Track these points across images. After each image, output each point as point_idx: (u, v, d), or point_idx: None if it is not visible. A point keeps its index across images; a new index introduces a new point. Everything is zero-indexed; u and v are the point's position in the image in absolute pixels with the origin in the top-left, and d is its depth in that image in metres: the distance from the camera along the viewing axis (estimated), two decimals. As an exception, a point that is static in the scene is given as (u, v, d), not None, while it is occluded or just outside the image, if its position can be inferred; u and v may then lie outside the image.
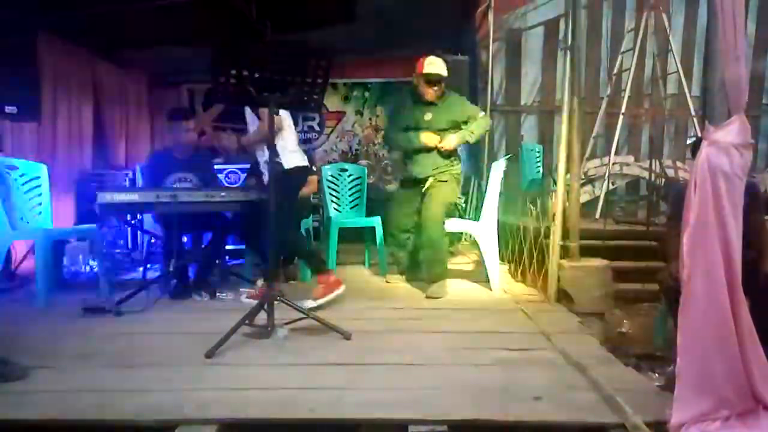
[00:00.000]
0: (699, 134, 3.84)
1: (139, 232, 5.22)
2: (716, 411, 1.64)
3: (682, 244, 1.68)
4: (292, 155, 3.43)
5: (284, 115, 3.40)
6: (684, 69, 5.32)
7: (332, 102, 7.38)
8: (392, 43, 5.79)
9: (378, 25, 5.38)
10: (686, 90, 5.23)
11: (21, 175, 3.76)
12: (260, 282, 3.50)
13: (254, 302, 3.09)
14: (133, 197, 3.41)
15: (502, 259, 4.27)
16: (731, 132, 1.66)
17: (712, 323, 1.63)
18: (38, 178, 3.86)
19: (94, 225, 4.07)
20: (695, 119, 5.27)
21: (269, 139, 2.78)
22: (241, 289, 3.49)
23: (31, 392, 2.04)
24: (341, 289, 3.33)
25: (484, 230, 3.93)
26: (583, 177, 4.99)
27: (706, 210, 1.62)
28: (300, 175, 3.52)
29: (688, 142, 5.62)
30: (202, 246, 4.04)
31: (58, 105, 5.18)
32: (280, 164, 3.32)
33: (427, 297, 3.64)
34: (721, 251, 1.62)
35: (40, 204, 3.85)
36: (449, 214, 3.98)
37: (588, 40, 5.92)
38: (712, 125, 1.71)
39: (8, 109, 3.95)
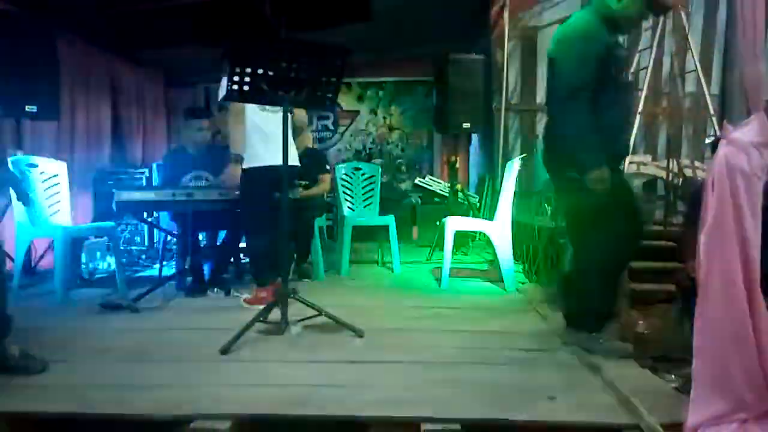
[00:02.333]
0: (718, 133, 3.78)
1: (155, 230, 5.28)
2: (733, 413, 1.61)
3: (699, 243, 1.66)
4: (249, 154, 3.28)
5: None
6: (703, 67, 5.23)
7: (346, 101, 7.40)
8: (407, 43, 5.79)
9: (392, 24, 5.38)
10: (705, 89, 5.16)
11: (41, 173, 3.83)
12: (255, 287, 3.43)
13: (252, 306, 3.13)
14: (149, 196, 3.46)
15: (516, 258, 4.25)
16: (750, 131, 1.63)
17: (729, 324, 1.61)
18: (57, 175, 3.92)
19: (112, 223, 4.12)
20: (714, 118, 5.20)
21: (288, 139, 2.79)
22: (236, 294, 3.54)
23: (51, 386, 2.07)
24: (262, 306, 2.82)
25: (499, 230, 3.91)
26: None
27: (723, 209, 1.60)
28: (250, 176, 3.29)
29: (707, 141, 5.54)
30: (218, 244, 4.08)
31: (76, 104, 5.26)
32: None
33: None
34: (738, 251, 1.59)
35: (59, 201, 3.91)
36: None
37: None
38: (731, 124, 1.68)
39: (28, 108, 4.01)
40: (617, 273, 2.55)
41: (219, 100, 3.22)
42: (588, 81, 2.27)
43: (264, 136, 3.24)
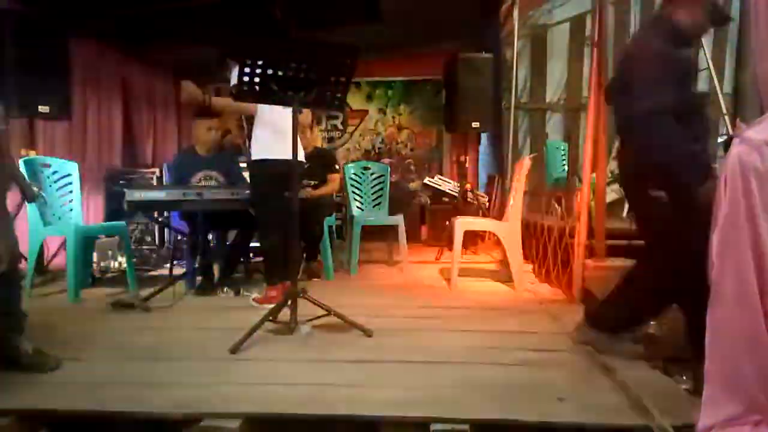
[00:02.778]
0: (731, 132, 3.74)
1: (166, 229, 5.32)
2: (746, 415, 1.59)
3: (711, 243, 1.65)
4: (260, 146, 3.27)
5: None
6: (715, 66, 5.19)
7: (355, 101, 7.40)
8: (416, 42, 5.78)
9: (401, 23, 5.38)
10: (717, 87, 5.11)
11: (53, 173, 3.87)
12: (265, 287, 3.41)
13: (262, 306, 3.13)
14: (159, 195, 3.48)
15: (526, 258, 4.24)
16: (763, 129, 1.61)
17: (742, 324, 1.59)
18: (69, 175, 3.96)
19: (123, 222, 4.15)
20: (727, 117, 5.14)
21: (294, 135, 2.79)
22: (246, 294, 3.55)
23: (62, 383, 2.09)
24: (272, 306, 2.81)
25: (508, 229, 3.90)
26: (609, 175, 4.92)
27: (736, 209, 1.58)
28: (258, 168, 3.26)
29: (720, 140, 5.48)
30: (227, 243, 4.10)
31: (88, 104, 5.31)
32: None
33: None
34: (751, 250, 1.57)
35: (72, 201, 3.95)
36: None
37: (615, 36, 5.83)
38: (744, 123, 1.67)
39: (41, 108, 4.05)
40: (683, 292, 2.36)
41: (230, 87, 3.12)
42: (672, 98, 2.19)
43: (273, 127, 3.20)
